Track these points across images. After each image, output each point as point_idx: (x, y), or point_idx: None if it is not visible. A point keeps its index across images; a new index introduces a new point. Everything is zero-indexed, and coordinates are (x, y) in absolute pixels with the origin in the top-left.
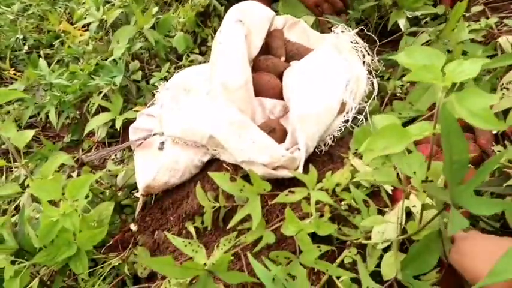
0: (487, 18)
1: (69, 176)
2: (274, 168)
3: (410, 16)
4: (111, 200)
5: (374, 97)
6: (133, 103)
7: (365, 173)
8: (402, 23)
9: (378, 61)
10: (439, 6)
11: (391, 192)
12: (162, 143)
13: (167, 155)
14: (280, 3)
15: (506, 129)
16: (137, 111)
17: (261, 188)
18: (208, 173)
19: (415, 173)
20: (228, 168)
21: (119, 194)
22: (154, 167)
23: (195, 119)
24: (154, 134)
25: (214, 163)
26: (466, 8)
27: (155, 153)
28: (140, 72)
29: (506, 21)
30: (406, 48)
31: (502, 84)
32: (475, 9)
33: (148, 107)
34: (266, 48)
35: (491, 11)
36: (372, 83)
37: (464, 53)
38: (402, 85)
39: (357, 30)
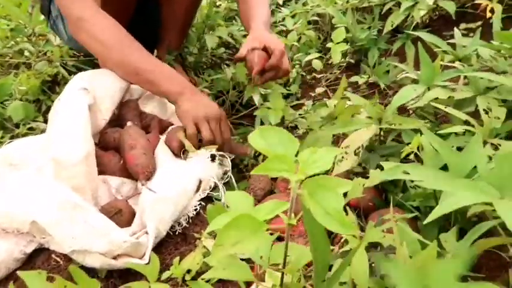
0: (329, 98)
1: None
2: (115, 257)
3: (264, 93)
4: None
5: (229, 175)
6: None
7: (214, 269)
8: (256, 98)
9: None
10: (292, 86)
11: None
12: None
13: None
14: None
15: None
16: None
17: None
18: (18, 272)
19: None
20: (59, 260)
21: None
22: None
23: (17, 200)
24: None
25: (42, 253)
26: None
27: None
28: None
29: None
30: (259, 128)
31: (342, 148)
32: (319, 90)
33: None
34: (119, 120)
35: (332, 92)
36: (228, 159)
37: None
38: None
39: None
